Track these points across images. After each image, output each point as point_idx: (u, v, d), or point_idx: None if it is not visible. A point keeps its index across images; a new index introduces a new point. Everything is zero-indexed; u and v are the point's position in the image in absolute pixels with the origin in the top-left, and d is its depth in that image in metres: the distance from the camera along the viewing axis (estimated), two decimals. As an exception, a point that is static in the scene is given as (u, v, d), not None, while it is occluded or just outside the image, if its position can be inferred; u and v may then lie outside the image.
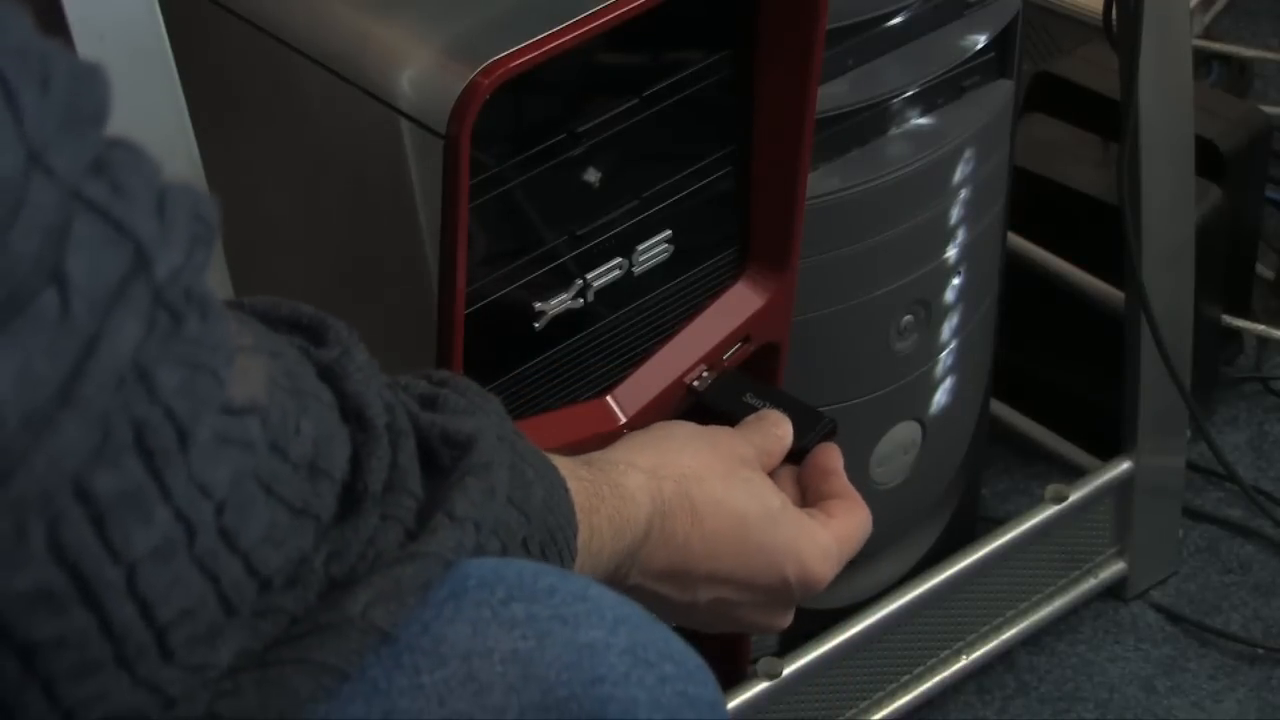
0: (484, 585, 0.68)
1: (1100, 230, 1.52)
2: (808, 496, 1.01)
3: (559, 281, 1.05)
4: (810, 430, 1.04)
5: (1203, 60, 1.92)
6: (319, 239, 1.08)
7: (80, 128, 0.56)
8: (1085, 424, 1.62)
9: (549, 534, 0.78)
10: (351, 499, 0.68)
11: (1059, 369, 1.66)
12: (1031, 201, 1.56)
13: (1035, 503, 1.51)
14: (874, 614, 1.41)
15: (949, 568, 1.45)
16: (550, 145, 1.01)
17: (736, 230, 1.13)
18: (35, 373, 0.54)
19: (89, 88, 0.56)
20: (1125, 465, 1.53)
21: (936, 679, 1.48)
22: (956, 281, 1.36)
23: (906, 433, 1.39)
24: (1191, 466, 1.63)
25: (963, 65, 1.30)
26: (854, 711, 1.45)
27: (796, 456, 1.03)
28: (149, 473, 0.57)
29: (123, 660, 0.59)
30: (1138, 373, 1.49)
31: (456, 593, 0.68)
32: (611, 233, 1.06)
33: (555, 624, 0.68)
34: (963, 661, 1.49)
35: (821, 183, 1.24)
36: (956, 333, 1.39)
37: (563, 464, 0.83)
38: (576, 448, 1.07)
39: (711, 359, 1.12)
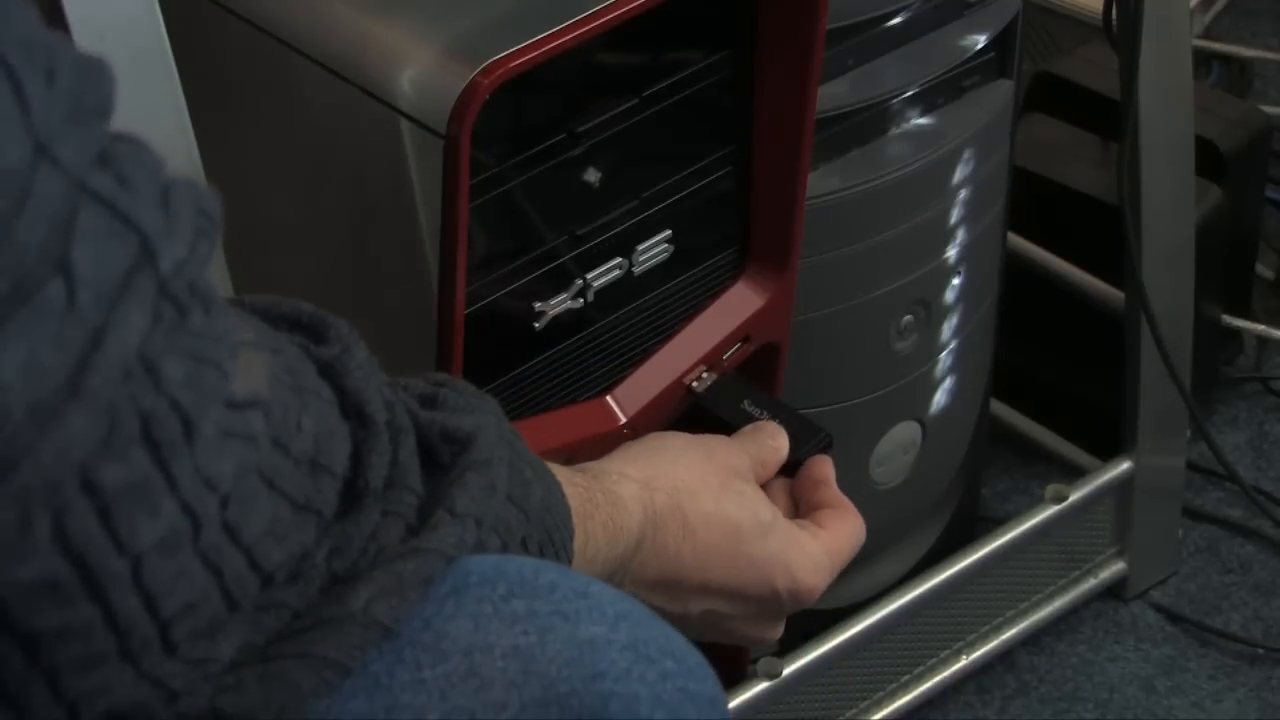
0: (485, 581, 0.69)
1: (1100, 230, 1.52)
2: (800, 507, 1.02)
3: (559, 281, 1.05)
4: (806, 443, 1.04)
5: (1203, 60, 1.92)
6: (319, 239, 1.08)
7: (86, 120, 0.56)
8: (1085, 424, 1.62)
9: (547, 534, 0.78)
10: (353, 495, 0.68)
11: (1059, 369, 1.66)
12: (1031, 201, 1.56)
13: (1035, 503, 1.51)
14: (874, 614, 1.41)
15: (949, 568, 1.45)
16: (550, 145, 1.01)
17: (736, 230, 1.13)
18: (41, 363, 0.54)
19: (94, 81, 0.56)
20: (1125, 465, 1.53)
21: (936, 679, 1.48)
22: (956, 281, 1.36)
23: (906, 433, 1.39)
24: (1191, 466, 1.63)
25: (963, 65, 1.30)
26: (854, 711, 1.45)
27: (790, 469, 1.03)
28: (156, 464, 0.57)
29: (126, 653, 0.59)
30: (1138, 373, 1.49)
31: (458, 589, 0.68)
32: (611, 233, 1.06)
33: (556, 620, 0.68)
34: (963, 661, 1.49)
35: (821, 183, 1.24)
36: (956, 333, 1.39)
37: (558, 470, 0.83)
38: (576, 448, 1.07)
39: (711, 359, 1.12)
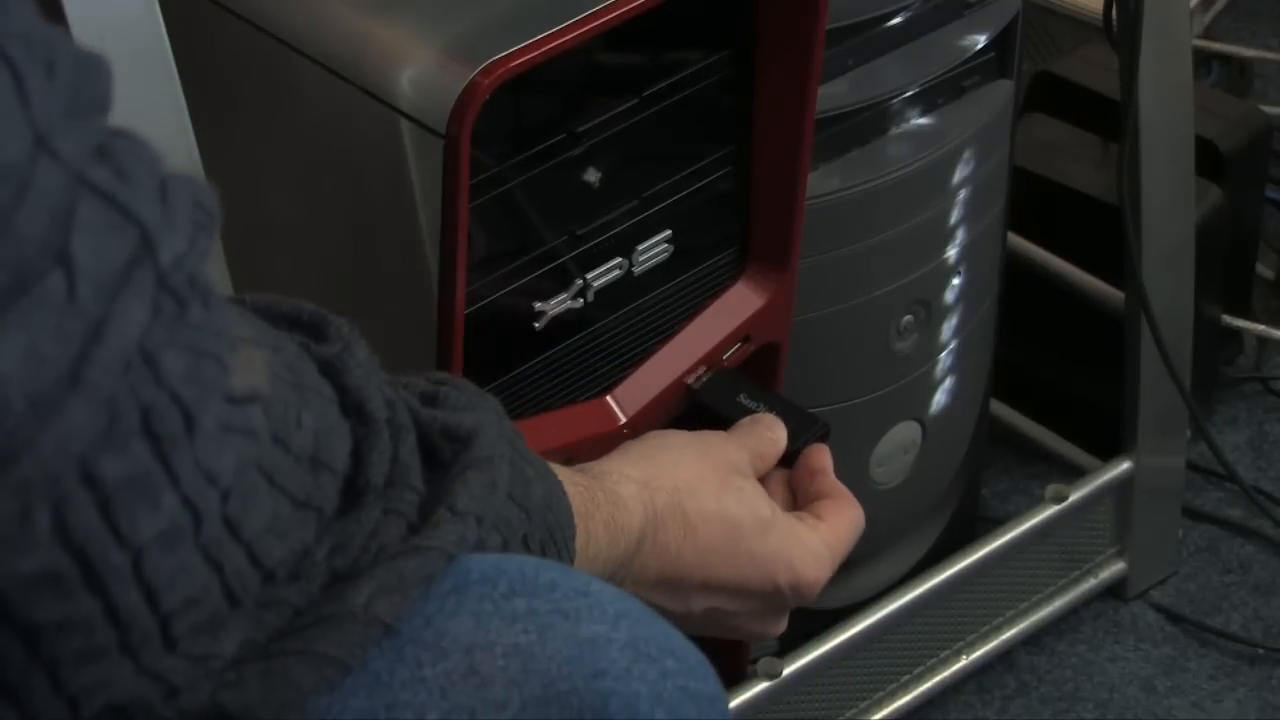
0: (486, 580, 0.69)
1: (1100, 230, 1.52)
2: (798, 498, 1.02)
3: (559, 281, 1.05)
4: (803, 433, 1.04)
5: (1203, 60, 1.92)
6: (319, 239, 1.08)
7: (85, 114, 0.56)
8: (1085, 424, 1.62)
9: (548, 532, 0.78)
10: (353, 493, 0.68)
11: (1059, 369, 1.66)
12: (1031, 201, 1.56)
13: (1035, 503, 1.51)
14: (874, 614, 1.41)
15: (949, 568, 1.45)
16: (550, 145, 1.01)
17: (736, 230, 1.13)
18: (41, 355, 0.54)
19: (93, 75, 0.57)
20: (1125, 465, 1.53)
21: (936, 679, 1.48)
22: (956, 281, 1.36)
23: (906, 433, 1.39)
24: (1191, 466, 1.63)
25: (963, 65, 1.30)
26: (854, 711, 1.45)
27: (788, 460, 1.04)
28: (156, 457, 0.57)
29: (127, 647, 0.59)
30: (1138, 373, 1.49)
31: (459, 587, 0.68)
32: (611, 233, 1.06)
33: (557, 618, 0.68)
34: (963, 661, 1.49)
35: (821, 183, 1.24)
36: (956, 333, 1.39)
37: (559, 470, 0.83)
38: (576, 448, 1.07)
39: (711, 359, 1.12)
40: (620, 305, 1.09)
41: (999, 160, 1.36)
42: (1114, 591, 1.58)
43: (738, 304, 1.14)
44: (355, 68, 0.98)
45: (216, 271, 0.91)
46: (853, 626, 1.40)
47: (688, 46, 1.06)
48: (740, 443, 1.00)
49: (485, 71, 0.93)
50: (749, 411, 1.06)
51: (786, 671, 1.36)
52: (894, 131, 1.29)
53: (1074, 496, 1.51)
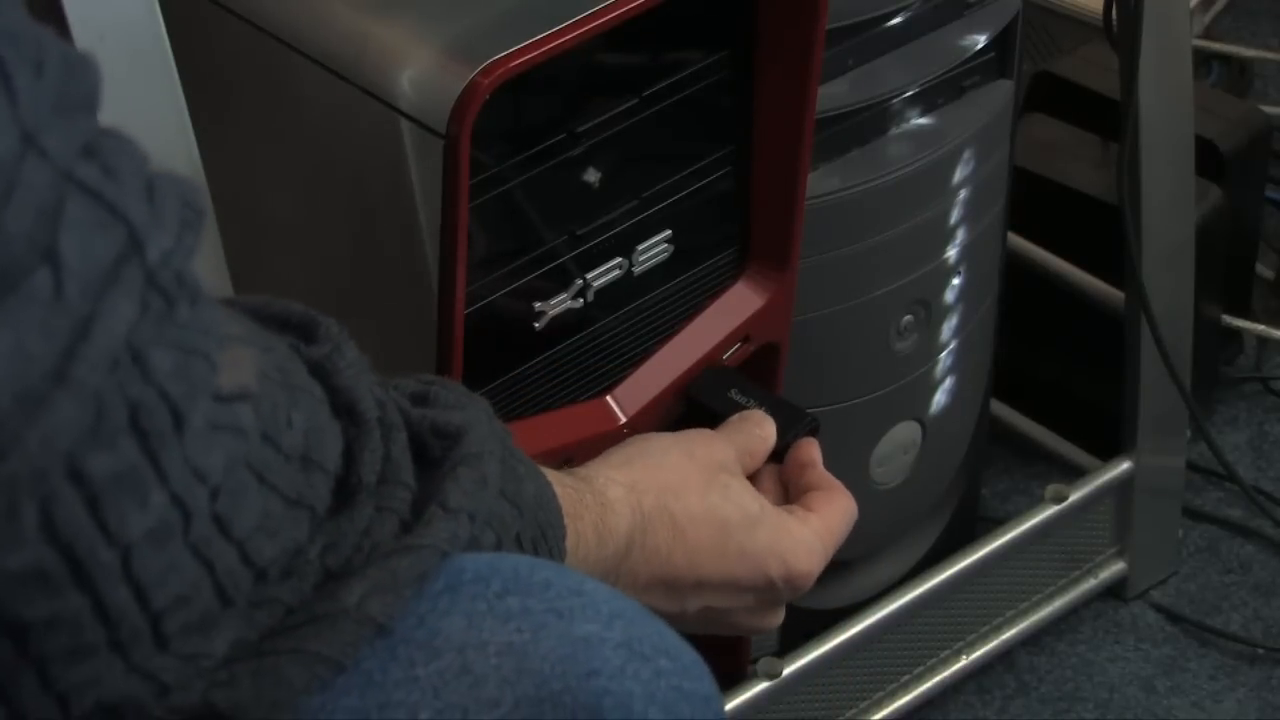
0: (479, 579, 0.69)
1: (1100, 230, 1.52)
2: (789, 492, 1.02)
3: (559, 281, 1.05)
4: (792, 428, 1.05)
5: (1203, 60, 1.92)
6: (319, 239, 1.08)
7: (73, 112, 0.56)
8: (1085, 424, 1.62)
9: (540, 531, 0.78)
10: (345, 491, 0.68)
11: (1059, 369, 1.66)
12: (1031, 201, 1.56)
13: (1035, 503, 1.51)
14: (874, 614, 1.41)
15: (949, 568, 1.45)
16: (550, 145, 1.01)
17: (736, 230, 1.13)
18: (28, 351, 0.54)
19: (81, 74, 0.57)
20: (1125, 465, 1.53)
21: (936, 679, 1.48)
22: (956, 281, 1.36)
23: (906, 433, 1.39)
24: (1191, 466, 1.63)
25: (963, 65, 1.30)
26: (854, 711, 1.45)
27: (778, 455, 1.04)
28: (144, 454, 0.57)
29: (117, 645, 0.59)
30: (1138, 373, 1.49)
31: (452, 586, 0.68)
32: (611, 233, 1.06)
33: (550, 617, 0.68)
34: (963, 661, 1.49)
35: (821, 183, 1.24)
36: (956, 333, 1.39)
37: (547, 472, 0.83)
38: (576, 448, 1.07)
39: (711, 359, 1.12)
40: (620, 305, 1.09)
41: (999, 160, 1.36)
42: (1114, 591, 1.58)
43: (738, 304, 1.14)
44: (355, 68, 0.98)
45: (216, 271, 0.91)
46: (853, 626, 1.40)
47: (688, 46, 1.06)
48: (728, 439, 1.00)
49: (485, 71, 0.93)
50: (740, 407, 1.07)
51: (786, 671, 1.36)
52: (894, 131, 1.29)
53: (1074, 496, 1.51)
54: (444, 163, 0.94)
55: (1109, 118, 1.48)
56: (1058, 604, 1.54)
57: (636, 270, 1.08)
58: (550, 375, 1.07)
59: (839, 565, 1.42)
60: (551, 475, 0.83)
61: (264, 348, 0.65)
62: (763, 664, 1.36)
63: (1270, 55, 1.99)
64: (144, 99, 0.86)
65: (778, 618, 0.99)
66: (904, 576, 1.46)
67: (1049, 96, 1.66)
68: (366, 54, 0.98)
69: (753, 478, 1.00)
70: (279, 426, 0.63)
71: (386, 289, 1.04)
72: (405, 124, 0.96)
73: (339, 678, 0.66)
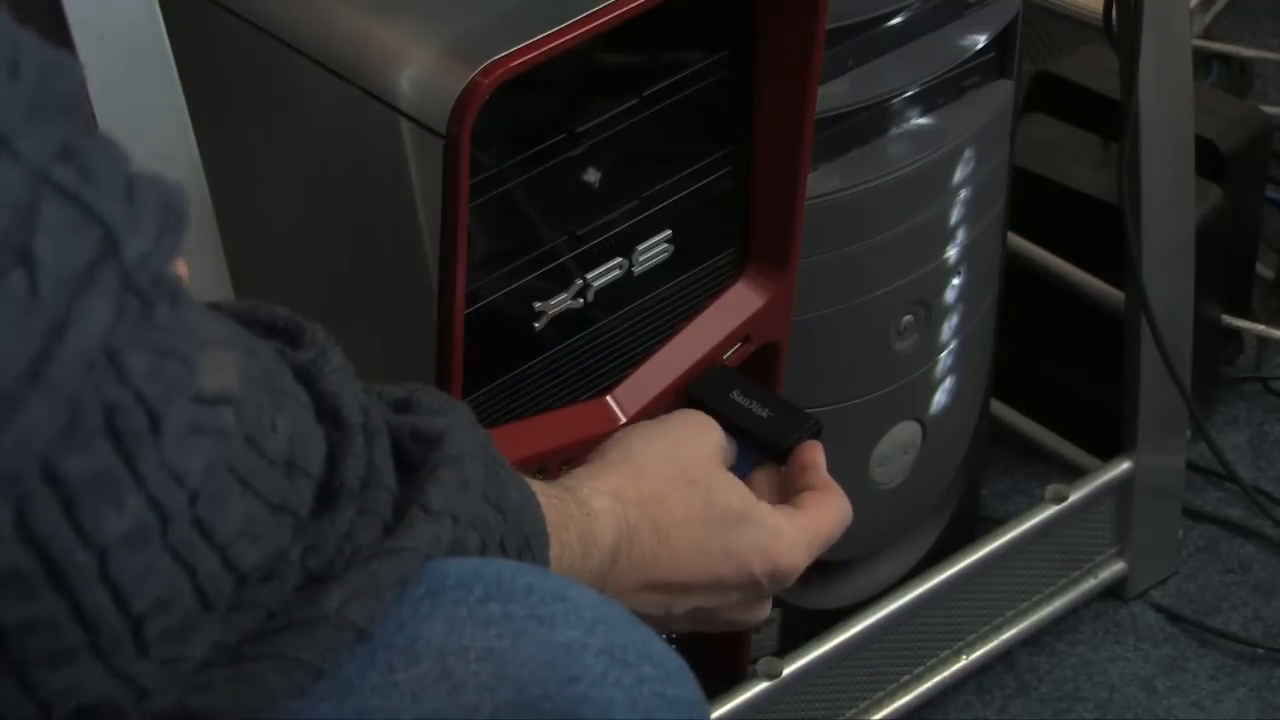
0: (462, 584, 0.69)
1: (1100, 230, 1.52)
2: (789, 493, 1.02)
3: (559, 281, 1.05)
4: (795, 431, 1.05)
5: (1203, 60, 1.92)
6: (319, 239, 1.08)
7: (49, 114, 0.56)
8: (1085, 424, 1.62)
9: (524, 538, 0.78)
10: (328, 495, 0.68)
11: (1059, 369, 1.66)
12: (1031, 201, 1.56)
13: (1035, 503, 1.51)
14: (874, 614, 1.41)
15: (949, 568, 1.45)
16: (550, 145, 1.01)
17: (736, 230, 1.13)
18: (2, 351, 0.54)
19: (59, 76, 0.56)
20: (1125, 465, 1.53)
21: (936, 679, 1.48)
22: (956, 281, 1.36)
23: (906, 433, 1.39)
24: (1191, 466, 1.63)
25: (963, 65, 1.30)
26: (854, 711, 1.45)
27: (780, 457, 1.04)
28: (120, 456, 0.57)
29: (97, 649, 0.59)
30: (1138, 373, 1.49)
31: (434, 591, 0.68)
32: (611, 233, 1.06)
33: (531, 623, 0.68)
34: (963, 661, 1.49)
35: (821, 183, 1.24)
36: (956, 333, 1.39)
37: (529, 481, 0.83)
38: (576, 448, 1.07)
39: (711, 359, 1.12)
40: (620, 305, 1.09)
41: (999, 160, 1.36)
42: (1114, 591, 1.58)
43: (738, 304, 1.14)
44: (355, 68, 0.98)
45: (216, 271, 0.91)
46: (853, 626, 1.40)
47: (688, 46, 1.06)
48: (713, 426, 1.01)
49: (485, 71, 0.93)
50: (742, 408, 1.07)
51: (786, 671, 1.36)
52: (894, 131, 1.29)
53: (1074, 496, 1.51)
54: (444, 163, 0.94)
55: (1109, 118, 1.48)
56: (1058, 604, 1.54)
57: (636, 270, 1.08)
58: (550, 375, 1.07)
59: (839, 565, 1.42)
60: (535, 485, 0.83)
61: (248, 351, 0.65)
62: (763, 664, 1.36)
63: (1270, 55, 1.99)
64: (144, 99, 0.86)
65: (764, 611, 1.00)
66: (904, 576, 1.46)
67: (1049, 96, 1.66)
68: (366, 54, 0.98)
69: (749, 481, 1.01)
70: (263, 431, 0.63)
71: (386, 289, 1.04)
72: (405, 124, 0.96)
73: (318, 683, 0.65)
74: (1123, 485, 1.54)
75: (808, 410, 1.10)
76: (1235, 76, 1.95)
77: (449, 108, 0.93)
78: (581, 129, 1.02)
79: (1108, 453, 1.54)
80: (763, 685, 1.36)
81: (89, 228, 0.56)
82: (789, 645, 1.39)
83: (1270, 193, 1.74)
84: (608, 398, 1.10)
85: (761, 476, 1.04)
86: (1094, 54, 1.65)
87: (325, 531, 0.67)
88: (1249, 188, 1.67)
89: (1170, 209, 1.44)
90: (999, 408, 1.63)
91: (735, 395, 1.08)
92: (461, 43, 0.96)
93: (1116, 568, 1.57)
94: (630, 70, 1.04)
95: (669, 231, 1.09)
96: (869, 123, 1.27)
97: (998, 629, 1.52)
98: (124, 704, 0.61)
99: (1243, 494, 1.63)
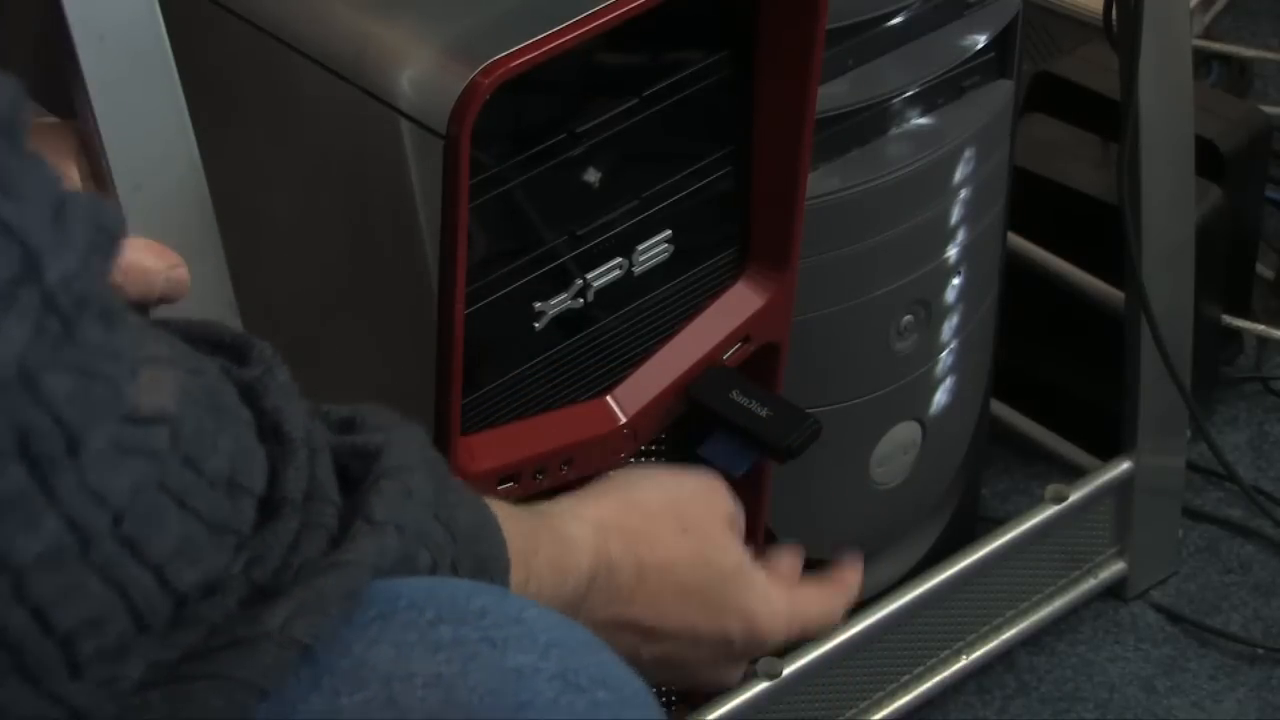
0: (414, 606, 0.67)
1: (1100, 230, 1.51)
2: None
3: (559, 281, 1.05)
4: (795, 431, 1.05)
5: (1203, 60, 1.92)
6: (319, 239, 1.08)
7: None
8: (1085, 424, 1.62)
9: (478, 561, 0.76)
10: (270, 508, 0.66)
11: (1059, 369, 1.66)
12: (1031, 201, 1.56)
13: (1035, 503, 1.51)
14: (874, 614, 1.41)
15: (949, 568, 1.45)
16: (550, 145, 1.01)
17: (736, 230, 1.13)
18: None
19: None
20: (1125, 465, 1.53)
21: (936, 679, 1.48)
22: (956, 281, 1.36)
23: (906, 433, 1.39)
24: (1191, 466, 1.63)
25: (963, 65, 1.30)
26: (854, 711, 1.44)
27: (782, 457, 1.04)
28: (34, 479, 0.56)
29: (24, 670, 0.58)
30: (1138, 373, 1.49)
31: (385, 613, 0.67)
32: (611, 233, 1.06)
33: (483, 647, 0.66)
34: (963, 661, 1.49)
35: (821, 183, 1.24)
36: (956, 333, 1.39)
37: (497, 505, 0.81)
38: (577, 448, 1.07)
39: (711, 359, 1.12)
40: (620, 305, 1.09)
41: (999, 160, 1.36)
42: (1114, 591, 1.58)
43: (738, 304, 1.14)
44: (355, 68, 0.98)
45: (216, 271, 0.91)
46: (853, 626, 1.40)
47: (688, 46, 1.06)
48: (722, 491, 0.99)
49: (485, 71, 0.93)
50: (742, 408, 1.06)
51: (786, 671, 1.36)
52: (894, 131, 1.29)
53: (1074, 496, 1.50)
54: (444, 163, 0.94)
55: (1109, 118, 1.48)
56: (1058, 604, 1.54)
57: (636, 270, 1.08)
58: (550, 375, 1.07)
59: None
60: (502, 510, 0.81)
61: (192, 370, 0.64)
62: (763, 664, 1.36)
63: (1270, 55, 1.99)
64: (144, 99, 0.86)
65: (735, 675, 0.98)
66: (904, 576, 1.46)
67: (1049, 96, 1.66)
68: (366, 54, 0.98)
69: (778, 561, 0.99)
70: (203, 451, 0.62)
71: (386, 289, 1.04)
72: (405, 124, 0.96)
73: (260, 706, 0.64)
74: (1123, 485, 1.54)
75: (808, 410, 1.10)
76: (1235, 76, 1.95)
77: (449, 108, 0.93)
78: (581, 129, 1.02)
79: (1108, 453, 1.54)
80: (763, 685, 1.36)
81: (7, 247, 0.55)
82: (789, 645, 1.39)
83: (1270, 193, 1.74)
84: (608, 398, 1.10)
85: (789, 558, 1.02)
86: (1094, 54, 1.64)
87: (268, 542, 0.65)
88: (1249, 188, 1.66)
89: (1170, 209, 1.44)
90: (999, 408, 1.63)
91: (735, 395, 1.08)
92: (461, 43, 0.96)
93: (1116, 568, 1.57)
94: (630, 70, 1.04)
95: (669, 231, 1.09)
96: (869, 123, 1.27)
97: (998, 629, 1.52)
98: None
99: (1243, 494, 1.63)
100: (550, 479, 1.07)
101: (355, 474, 0.71)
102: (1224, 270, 1.65)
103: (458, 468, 1.02)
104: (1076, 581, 1.56)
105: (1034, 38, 1.81)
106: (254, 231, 1.07)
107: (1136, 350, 1.48)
